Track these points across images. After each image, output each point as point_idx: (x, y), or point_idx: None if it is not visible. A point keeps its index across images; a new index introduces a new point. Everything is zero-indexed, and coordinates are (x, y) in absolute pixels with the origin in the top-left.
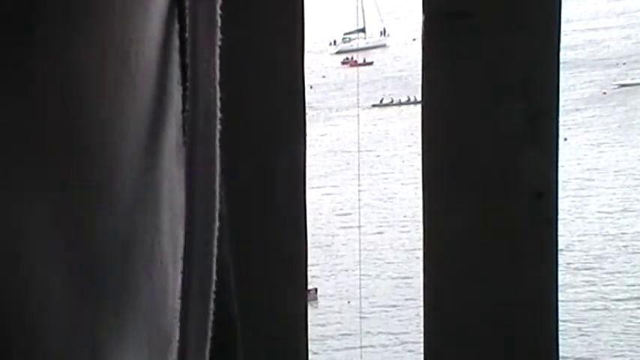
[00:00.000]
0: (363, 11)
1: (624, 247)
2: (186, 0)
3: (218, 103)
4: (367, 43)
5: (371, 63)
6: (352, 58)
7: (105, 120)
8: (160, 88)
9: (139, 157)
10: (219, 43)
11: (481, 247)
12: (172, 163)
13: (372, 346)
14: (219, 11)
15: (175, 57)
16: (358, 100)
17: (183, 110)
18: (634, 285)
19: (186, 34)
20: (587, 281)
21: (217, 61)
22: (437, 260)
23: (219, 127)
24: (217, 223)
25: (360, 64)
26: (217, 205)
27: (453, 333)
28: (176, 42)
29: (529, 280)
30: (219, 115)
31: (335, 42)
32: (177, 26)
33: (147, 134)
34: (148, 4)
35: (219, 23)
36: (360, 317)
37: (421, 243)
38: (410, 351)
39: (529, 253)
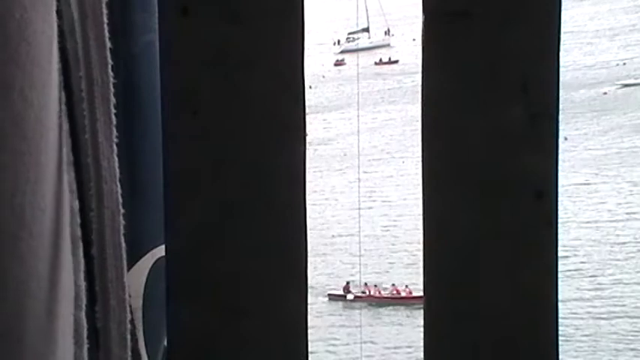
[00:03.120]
0: (366, 11)
1: (627, 254)
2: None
3: (120, 200)
4: (371, 42)
5: (396, 61)
6: (343, 60)
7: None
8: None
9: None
10: (116, 140)
11: (481, 247)
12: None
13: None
14: (113, 110)
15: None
16: (358, 101)
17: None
18: (633, 292)
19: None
20: (587, 288)
21: (116, 159)
22: (437, 260)
23: (123, 222)
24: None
25: (386, 63)
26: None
27: (452, 333)
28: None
29: (529, 281)
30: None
31: (339, 42)
32: (72, 158)
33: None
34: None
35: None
36: (360, 325)
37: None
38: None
39: (529, 253)
